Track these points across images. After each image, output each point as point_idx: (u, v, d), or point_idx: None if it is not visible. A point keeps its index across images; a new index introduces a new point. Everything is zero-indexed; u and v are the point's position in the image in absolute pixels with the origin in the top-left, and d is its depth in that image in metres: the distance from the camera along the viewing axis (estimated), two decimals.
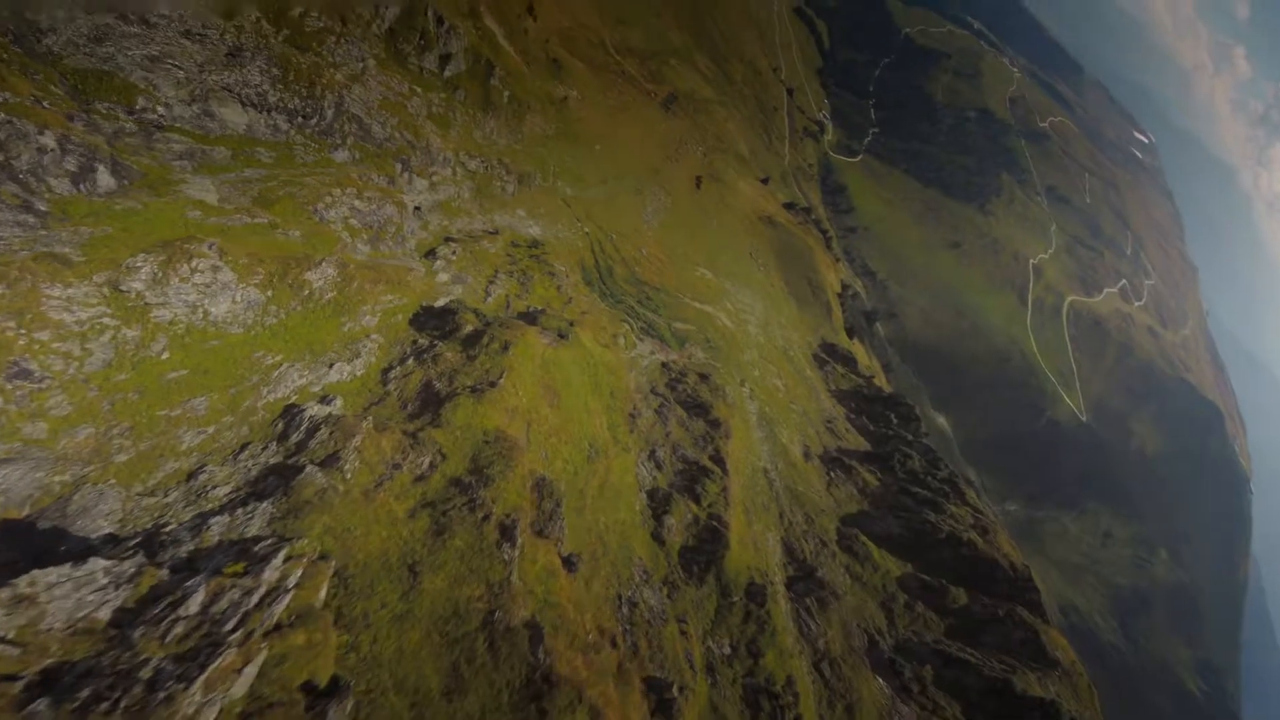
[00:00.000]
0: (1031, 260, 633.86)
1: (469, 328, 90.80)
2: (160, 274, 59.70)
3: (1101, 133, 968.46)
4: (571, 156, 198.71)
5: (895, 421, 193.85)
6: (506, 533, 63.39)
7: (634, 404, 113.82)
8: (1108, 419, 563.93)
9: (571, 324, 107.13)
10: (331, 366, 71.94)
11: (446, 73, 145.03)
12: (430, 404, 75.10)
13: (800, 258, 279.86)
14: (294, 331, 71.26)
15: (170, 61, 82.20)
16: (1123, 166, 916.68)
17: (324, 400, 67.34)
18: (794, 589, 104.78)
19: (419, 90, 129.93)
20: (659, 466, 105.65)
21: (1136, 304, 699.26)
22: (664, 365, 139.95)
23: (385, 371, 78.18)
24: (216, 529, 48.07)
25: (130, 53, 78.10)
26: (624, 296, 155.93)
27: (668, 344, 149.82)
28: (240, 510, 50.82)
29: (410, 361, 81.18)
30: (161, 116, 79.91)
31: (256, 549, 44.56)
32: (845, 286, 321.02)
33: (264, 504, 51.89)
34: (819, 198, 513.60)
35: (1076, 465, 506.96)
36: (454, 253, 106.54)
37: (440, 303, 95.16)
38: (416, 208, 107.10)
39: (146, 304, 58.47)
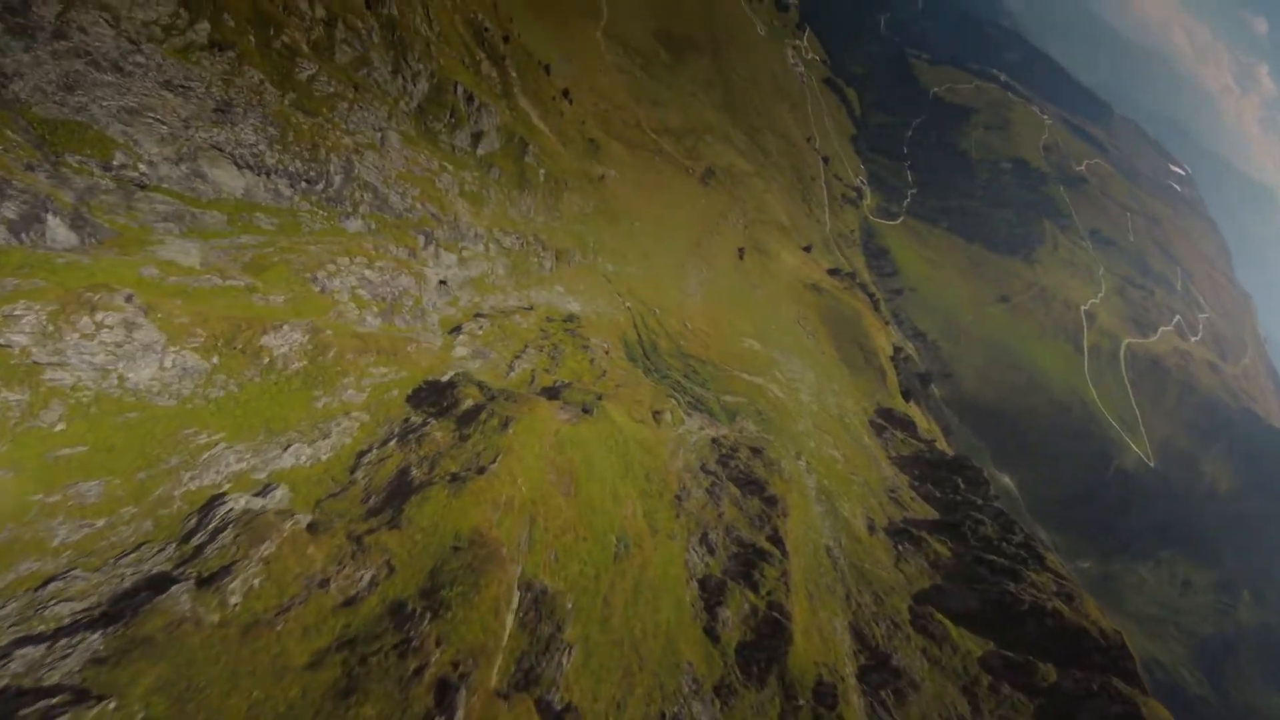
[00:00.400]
0: (1083, 306, 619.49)
1: (468, 402, 78.84)
2: (51, 327, 48.63)
3: (1137, 170, 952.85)
4: (611, 233, 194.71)
5: (962, 486, 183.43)
6: (444, 696, 42.90)
7: (682, 482, 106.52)
8: (1176, 461, 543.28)
9: (600, 397, 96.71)
10: (288, 449, 60.30)
11: (480, 150, 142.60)
12: (399, 496, 60.93)
13: (849, 323, 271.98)
14: (248, 406, 60.70)
15: (151, 115, 75.06)
16: (1162, 200, 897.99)
17: (263, 491, 54.54)
18: (867, 681, 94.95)
19: (449, 167, 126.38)
20: (711, 551, 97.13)
21: (1193, 339, 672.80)
22: (714, 441, 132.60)
23: (360, 455, 66.18)
24: (16, 665, 34.46)
25: (105, 103, 71.44)
26: (670, 371, 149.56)
27: (717, 418, 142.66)
28: (65, 641, 36.48)
29: (392, 443, 69.25)
30: (144, 175, 73.02)
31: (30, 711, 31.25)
32: (897, 349, 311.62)
33: (94, 636, 36.97)
34: (863, 262, 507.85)
35: (1149, 513, 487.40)
36: (480, 328, 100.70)
37: (448, 376, 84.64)
38: (442, 281, 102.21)
39: (35, 363, 47.62)
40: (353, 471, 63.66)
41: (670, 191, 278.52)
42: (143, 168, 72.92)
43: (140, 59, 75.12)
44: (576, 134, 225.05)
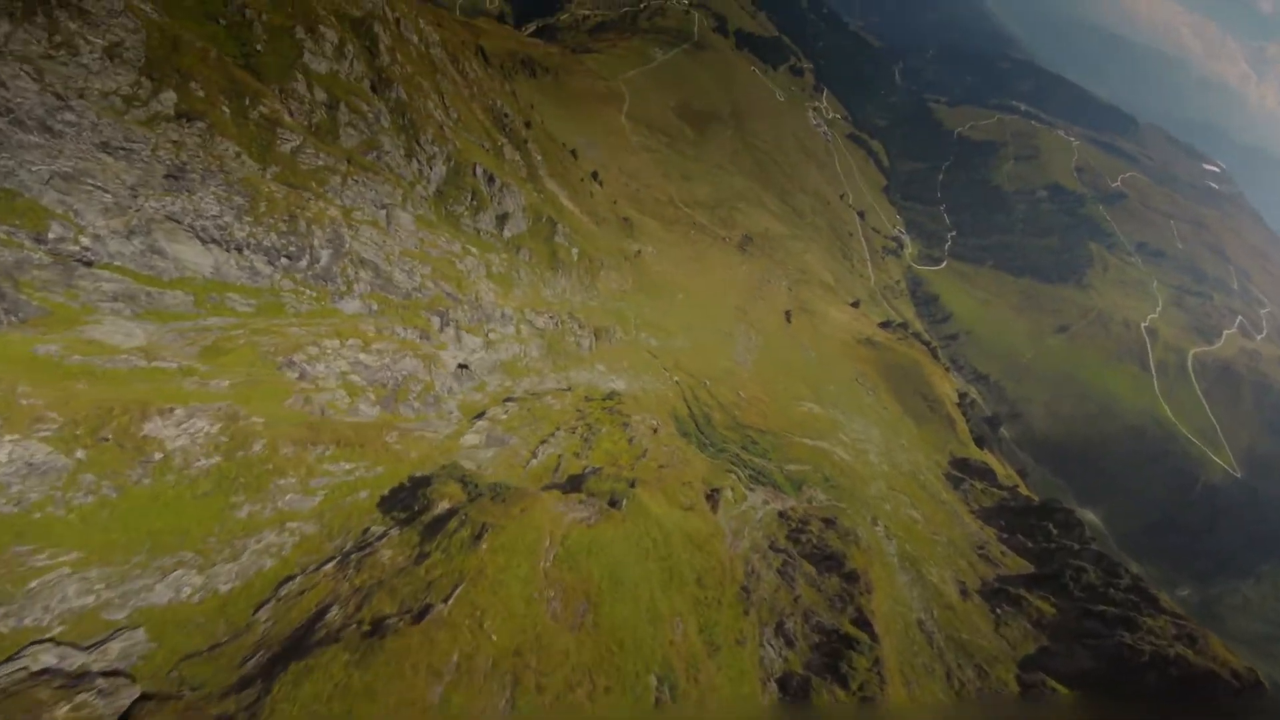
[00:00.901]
0: (1143, 324, 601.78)
1: (442, 505, 60.59)
2: None
3: (1173, 175, 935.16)
4: (652, 308, 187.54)
5: (1055, 532, 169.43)
6: None
7: (749, 566, 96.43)
8: (1263, 468, 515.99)
9: (634, 484, 76.71)
10: (167, 577, 44.70)
11: (507, 233, 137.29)
12: (291, 656, 42.34)
13: (908, 374, 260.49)
14: (127, 518, 45.70)
15: (90, 181, 64.88)
16: (1203, 202, 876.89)
17: (102, 641, 39.50)
18: None
19: (474, 249, 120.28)
20: (789, 642, 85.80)
21: (1259, 338, 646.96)
22: (781, 515, 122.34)
23: (280, 585, 49.86)
24: None
25: (34, 168, 61.45)
26: (726, 444, 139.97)
27: (783, 490, 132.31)
28: None
29: (328, 567, 52.02)
30: (87, 250, 62.95)
31: None
32: (961, 395, 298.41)
33: None
34: (913, 312, 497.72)
35: (1242, 527, 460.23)
36: (506, 412, 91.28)
37: (435, 470, 68.27)
38: (463, 365, 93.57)
39: None
40: (257, 610, 47.53)
41: (708, 262, 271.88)
42: (85, 241, 63.67)
43: (71, 117, 65.66)
44: (609, 213, 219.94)
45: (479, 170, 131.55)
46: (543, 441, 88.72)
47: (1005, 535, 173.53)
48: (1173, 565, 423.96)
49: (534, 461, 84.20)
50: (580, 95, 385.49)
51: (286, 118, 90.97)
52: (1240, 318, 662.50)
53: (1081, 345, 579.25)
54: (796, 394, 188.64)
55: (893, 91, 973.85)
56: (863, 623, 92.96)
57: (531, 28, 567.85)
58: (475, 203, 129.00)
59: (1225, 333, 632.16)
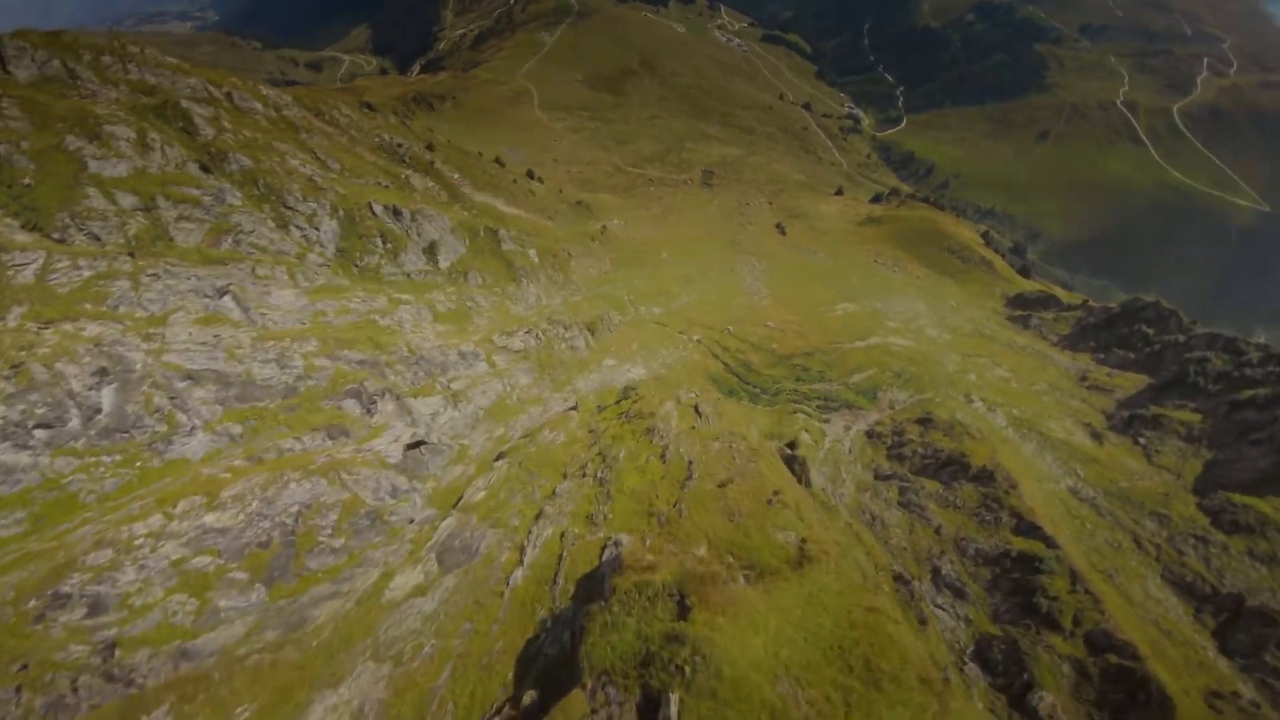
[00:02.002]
0: (1118, 101, 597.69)
1: None
2: None
3: None
4: (641, 278, 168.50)
5: (1151, 332, 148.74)
6: None
7: (864, 509, 79.03)
8: None
9: (685, 600, 36.61)
10: None
11: (444, 263, 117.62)
12: None
13: (923, 234, 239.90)
14: None
15: None
16: None
17: None
18: (1232, 640, 63.83)
19: (407, 296, 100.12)
20: (958, 592, 66.69)
21: (1231, 72, 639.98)
22: (869, 435, 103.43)
23: None
24: None
25: None
26: (778, 384, 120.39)
27: (858, 406, 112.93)
28: None
29: None
30: None
31: None
32: (982, 235, 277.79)
33: None
34: (894, 179, 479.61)
35: None
36: (489, 483, 63.83)
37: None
38: (416, 444, 65.75)
39: None
40: None
41: (679, 210, 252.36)
42: None
43: None
44: (558, 204, 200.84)
45: (378, 209, 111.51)
46: (539, 515, 58.70)
47: (1101, 356, 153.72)
48: (1246, 318, 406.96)
49: (519, 572, 52.07)
50: (486, 107, 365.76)
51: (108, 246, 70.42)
52: (1206, 59, 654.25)
53: (1069, 144, 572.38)
54: (824, 300, 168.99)
55: None
56: (1027, 528, 73.42)
57: (415, 69, 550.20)
58: (389, 245, 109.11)
59: (1199, 79, 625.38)
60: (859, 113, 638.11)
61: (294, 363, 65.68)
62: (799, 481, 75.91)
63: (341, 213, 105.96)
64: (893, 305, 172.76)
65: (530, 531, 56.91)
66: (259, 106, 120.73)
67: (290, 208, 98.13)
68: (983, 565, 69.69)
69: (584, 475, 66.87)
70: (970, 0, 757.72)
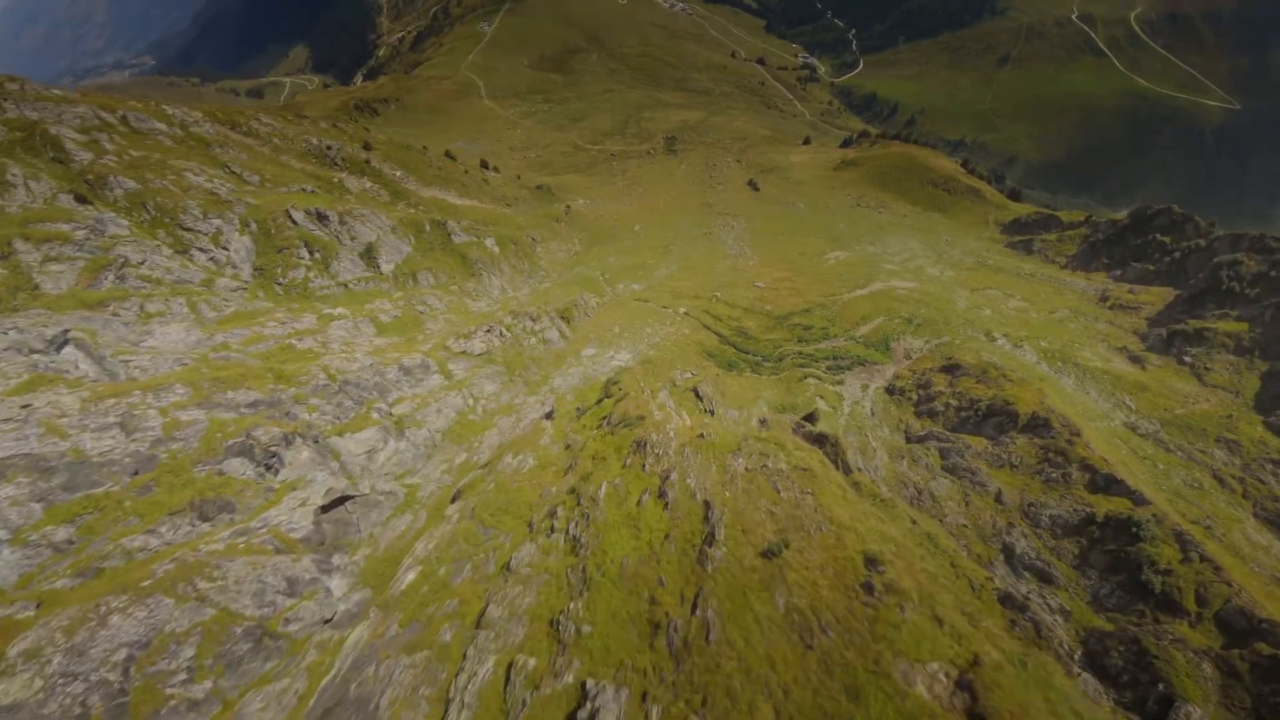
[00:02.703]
0: (1073, 15, 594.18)
1: None
2: None
3: None
4: (614, 253, 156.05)
5: (1167, 240, 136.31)
6: None
7: (905, 480, 67.10)
8: (1252, 88, 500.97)
9: None
10: None
11: (387, 265, 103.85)
12: None
13: (903, 171, 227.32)
14: None
15: None
16: None
17: None
18: None
19: (341, 309, 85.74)
20: (1044, 576, 53.51)
21: None
22: (891, 392, 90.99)
23: None
24: None
25: None
26: (780, 348, 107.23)
27: (872, 361, 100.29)
28: None
29: None
30: None
31: None
32: (962, 164, 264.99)
33: None
34: (860, 123, 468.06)
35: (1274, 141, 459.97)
36: (414, 568, 45.75)
37: None
38: (331, 504, 48.67)
39: None
40: None
41: (645, 181, 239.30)
42: None
43: None
44: (517, 190, 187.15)
45: (298, 216, 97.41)
46: (479, 621, 40.67)
47: (1117, 273, 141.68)
48: (1236, 212, 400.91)
49: (469, 691, 36.27)
50: (433, 105, 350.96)
51: None
52: None
53: (1030, 66, 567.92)
54: (813, 251, 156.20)
55: None
56: (1105, 481, 60.58)
57: (358, 79, 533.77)
58: (317, 254, 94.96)
59: None
60: (814, 61, 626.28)
61: (148, 423, 47.84)
62: (835, 466, 61.57)
63: (254, 226, 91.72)
64: (887, 247, 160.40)
65: (464, 662, 38.05)
66: (162, 126, 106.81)
67: (189, 229, 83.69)
68: (1064, 537, 56.98)
69: (552, 529, 48.80)
70: None
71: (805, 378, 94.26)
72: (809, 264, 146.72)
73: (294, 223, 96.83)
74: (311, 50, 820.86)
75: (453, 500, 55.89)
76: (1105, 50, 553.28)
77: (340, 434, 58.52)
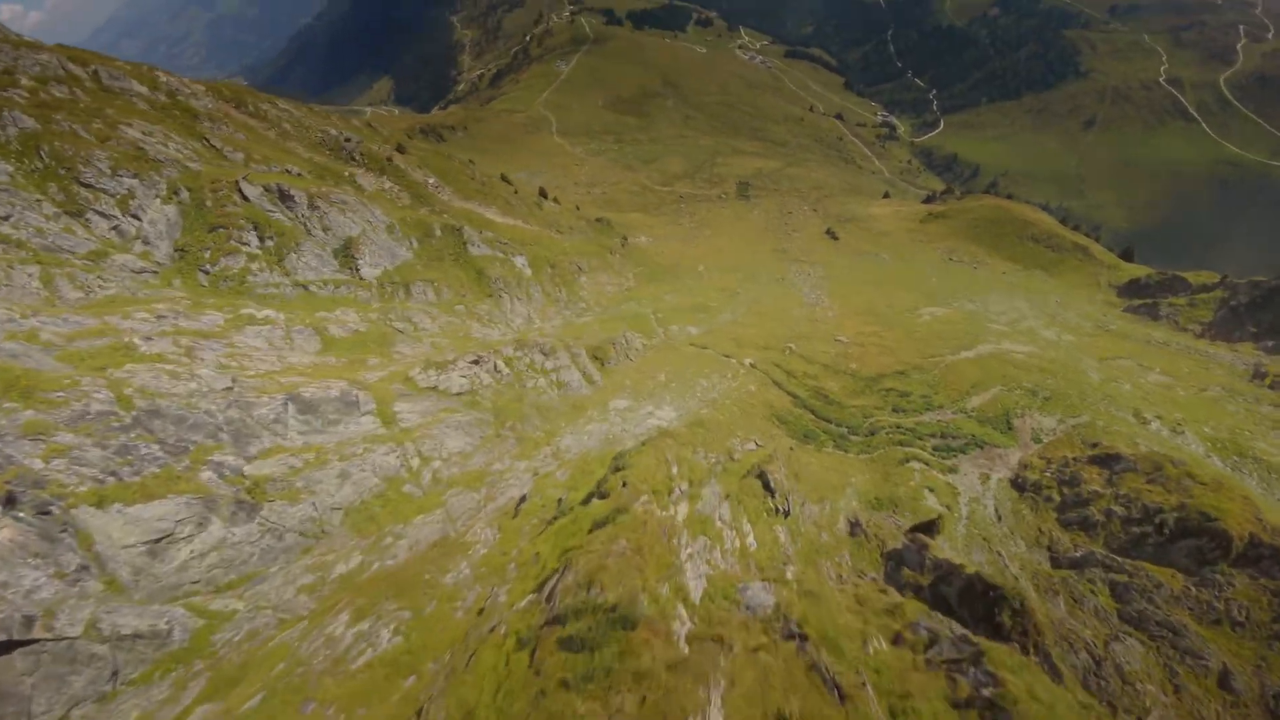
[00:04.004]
0: (1160, 79, 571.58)
1: None
2: None
3: None
4: (674, 291, 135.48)
5: None
6: None
7: (1058, 624, 43.01)
8: None
9: None
10: None
11: (369, 271, 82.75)
12: None
13: (999, 225, 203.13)
14: None
15: None
16: None
17: None
18: None
19: (271, 315, 61.89)
20: None
21: (1270, 36, 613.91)
22: (1019, 486, 67.75)
23: None
24: None
25: None
26: (870, 419, 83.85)
27: (992, 442, 76.69)
28: None
29: None
30: None
31: None
32: (1063, 222, 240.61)
33: None
34: (940, 183, 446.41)
35: None
36: None
37: None
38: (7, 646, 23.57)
39: None
40: None
41: (715, 222, 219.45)
42: None
43: None
44: (573, 220, 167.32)
45: (252, 191, 76.05)
46: None
47: (1269, 343, 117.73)
48: None
49: None
50: (501, 135, 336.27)
51: None
52: (1242, 26, 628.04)
53: (1117, 129, 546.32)
54: (904, 305, 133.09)
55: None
56: None
57: (434, 111, 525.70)
58: (270, 242, 73.63)
59: (1239, 47, 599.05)
60: (894, 120, 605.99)
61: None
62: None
63: (185, 195, 70.91)
64: (989, 305, 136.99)
65: None
66: (141, 89, 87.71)
67: (89, 185, 63.20)
68: None
69: None
70: None
71: (907, 460, 71.11)
72: (899, 319, 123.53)
73: (243, 198, 75.27)
74: (395, 83, 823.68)
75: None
76: (1195, 115, 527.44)
77: (106, 503, 32.05)
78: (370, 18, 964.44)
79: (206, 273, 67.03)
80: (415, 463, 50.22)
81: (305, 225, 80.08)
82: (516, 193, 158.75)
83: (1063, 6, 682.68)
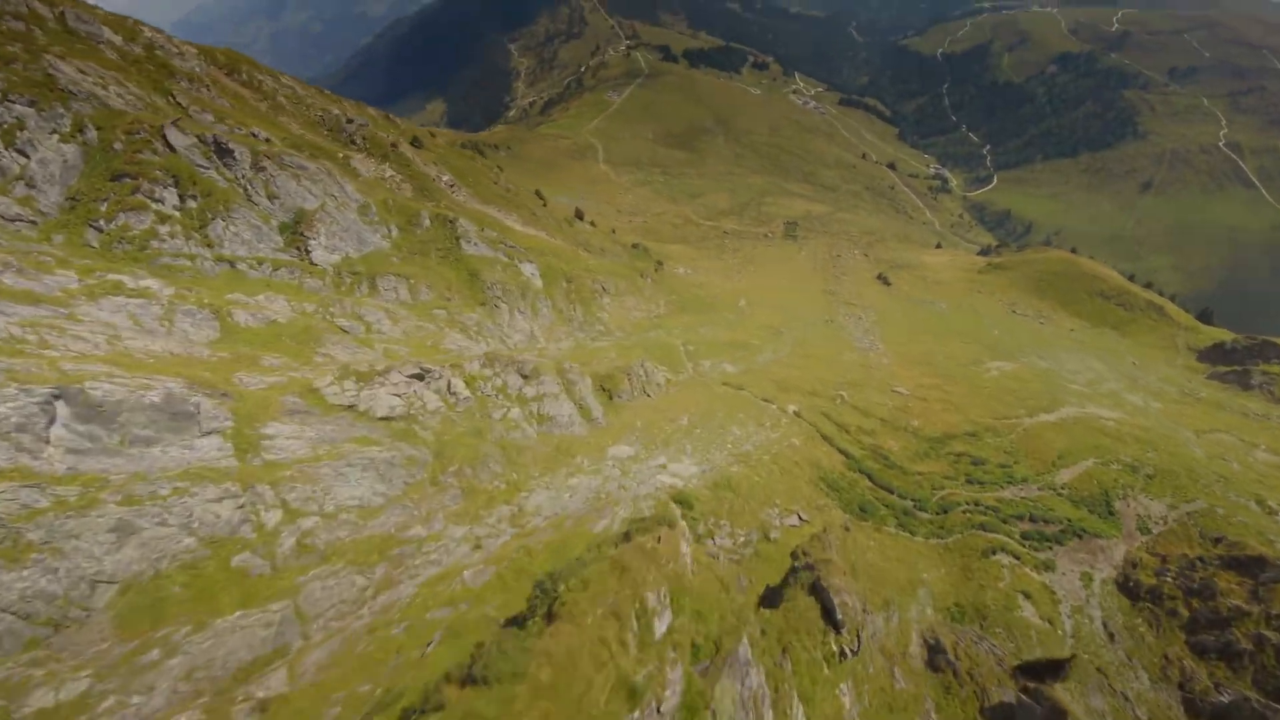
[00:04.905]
0: (1219, 143, 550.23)
1: None
2: None
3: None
4: (711, 324, 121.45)
5: None
6: None
7: None
8: None
9: None
10: None
11: (326, 256, 68.76)
12: None
13: (1065, 279, 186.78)
14: None
15: None
16: (1200, 6, 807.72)
17: None
18: None
19: (161, 289, 47.03)
20: None
21: None
22: (1133, 591, 53.29)
23: None
24: None
25: None
26: (941, 493, 68.20)
27: (1091, 531, 61.22)
28: None
29: None
30: None
31: None
32: (1129, 278, 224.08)
33: None
34: (992, 239, 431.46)
35: None
36: None
37: None
38: None
39: None
40: None
41: (761, 260, 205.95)
42: None
43: None
44: (606, 242, 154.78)
45: (178, 139, 62.11)
46: None
47: None
48: None
49: None
50: (545, 158, 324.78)
51: None
52: None
53: (1174, 193, 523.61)
54: (965, 357, 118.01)
55: (859, 49, 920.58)
56: None
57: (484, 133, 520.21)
58: (192, 203, 59.42)
59: None
60: (946, 173, 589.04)
61: None
62: None
63: (92, 134, 57.56)
64: (1062, 363, 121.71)
65: None
66: (115, 37, 75.69)
67: None
68: None
69: None
70: (1051, 53, 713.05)
71: (992, 550, 55.98)
72: (963, 372, 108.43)
73: (168, 147, 60.89)
74: (448, 105, 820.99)
75: None
76: (1254, 180, 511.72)
77: None
78: (430, 40, 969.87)
79: (99, 229, 52.81)
80: (271, 518, 32.81)
81: (245, 188, 65.73)
82: (545, 205, 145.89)
83: (1121, 67, 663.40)
